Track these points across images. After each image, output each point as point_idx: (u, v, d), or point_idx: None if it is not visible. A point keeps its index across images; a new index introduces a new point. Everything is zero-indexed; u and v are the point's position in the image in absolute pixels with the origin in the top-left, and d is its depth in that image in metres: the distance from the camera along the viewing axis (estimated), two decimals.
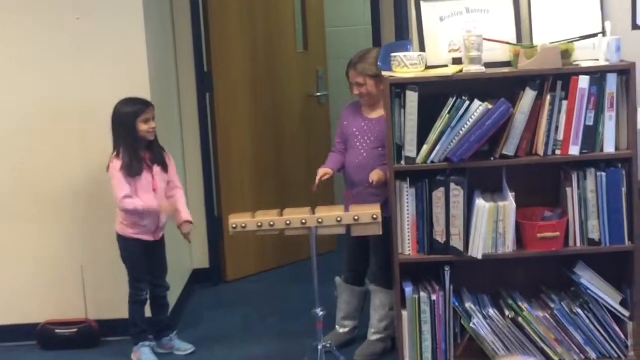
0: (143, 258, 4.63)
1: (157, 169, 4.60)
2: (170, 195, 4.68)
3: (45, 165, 4.92)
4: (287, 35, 6.22)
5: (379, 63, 4.24)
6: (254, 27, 6.02)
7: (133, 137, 4.51)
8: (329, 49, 6.61)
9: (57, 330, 4.92)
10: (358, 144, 4.51)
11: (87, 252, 4.96)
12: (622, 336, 4.08)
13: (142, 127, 4.51)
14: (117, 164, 4.49)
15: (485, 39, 3.98)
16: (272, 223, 4.02)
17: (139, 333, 4.70)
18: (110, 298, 4.93)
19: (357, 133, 4.52)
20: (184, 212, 4.69)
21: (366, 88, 4.43)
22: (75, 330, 4.92)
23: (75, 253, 4.96)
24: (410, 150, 3.99)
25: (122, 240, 4.63)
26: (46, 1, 4.79)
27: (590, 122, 3.94)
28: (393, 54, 4.06)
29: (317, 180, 4.49)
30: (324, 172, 4.52)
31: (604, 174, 3.96)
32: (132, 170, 4.49)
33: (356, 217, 3.99)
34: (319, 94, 6.41)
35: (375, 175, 4.32)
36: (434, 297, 4.10)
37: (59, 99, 4.87)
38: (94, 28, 4.81)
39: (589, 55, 4.00)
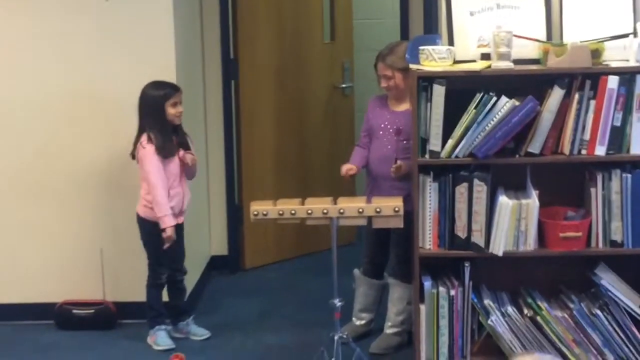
0: (164, 241, 4.63)
1: (182, 152, 4.61)
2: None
3: (68, 147, 4.94)
4: (315, 25, 6.21)
5: (406, 55, 4.21)
6: (282, 15, 6.02)
7: (162, 120, 4.51)
8: (356, 41, 6.59)
9: (75, 311, 4.94)
10: (382, 136, 4.49)
11: (107, 233, 4.98)
12: None
13: (170, 111, 4.52)
14: (150, 148, 4.49)
15: (514, 36, 3.95)
16: (293, 212, 4.01)
17: (156, 317, 4.71)
18: (129, 280, 4.94)
19: (382, 125, 4.50)
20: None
21: (394, 81, 4.41)
22: (92, 311, 4.94)
23: (95, 234, 4.98)
24: (435, 144, 3.97)
25: (144, 223, 4.63)
26: None
27: (618, 123, 3.90)
28: (421, 47, 4.04)
29: (344, 175, 4.50)
30: (348, 167, 4.52)
31: (629, 175, 3.92)
32: (165, 153, 4.51)
33: (378, 209, 3.97)
34: (344, 85, 6.39)
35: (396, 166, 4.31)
36: (452, 293, 4.08)
37: (84, 83, 4.88)
38: (122, 12, 4.82)
39: (619, 55, 3.96)
